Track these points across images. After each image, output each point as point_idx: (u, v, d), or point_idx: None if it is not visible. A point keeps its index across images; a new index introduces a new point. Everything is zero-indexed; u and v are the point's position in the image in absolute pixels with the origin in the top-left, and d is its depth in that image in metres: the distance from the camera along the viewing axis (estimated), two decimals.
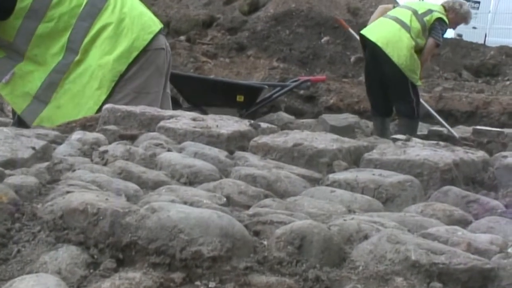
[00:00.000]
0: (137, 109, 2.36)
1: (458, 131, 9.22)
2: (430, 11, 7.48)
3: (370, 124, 8.89)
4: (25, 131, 2.19)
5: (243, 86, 7.98)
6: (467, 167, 2.05)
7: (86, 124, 2.52)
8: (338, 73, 12.59)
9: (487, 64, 12.61)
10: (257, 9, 14.43)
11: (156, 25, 3.59)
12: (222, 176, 1.89)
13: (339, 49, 13.03)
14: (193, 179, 1.84)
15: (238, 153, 2.05)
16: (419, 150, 2.08)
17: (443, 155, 2.02)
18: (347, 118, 9.86)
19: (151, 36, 3.50)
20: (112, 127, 2.27)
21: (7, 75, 3.43)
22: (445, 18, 7.53)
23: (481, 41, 13.12)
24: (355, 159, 2.14)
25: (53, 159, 1.90)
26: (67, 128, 2.51)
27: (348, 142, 2.19)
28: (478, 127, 9.36)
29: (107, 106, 2.39)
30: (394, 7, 8.40)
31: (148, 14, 3.62)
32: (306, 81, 8.34)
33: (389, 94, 8.00)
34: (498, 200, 1.94)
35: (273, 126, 2.39)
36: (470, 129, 9.35)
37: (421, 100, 8.67)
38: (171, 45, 13.50)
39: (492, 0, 18.17)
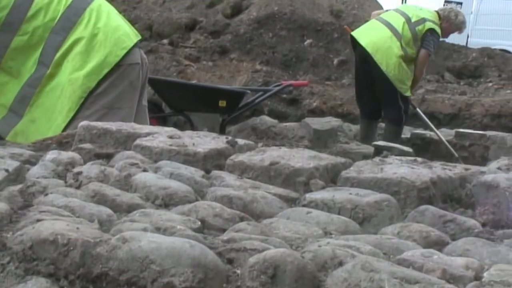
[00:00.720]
0: (113, 126, 2.34)
1: (441, 134, 9.24)
2: (423, 20, 7.41)
3: (353, 127, 8.89)
4: None
5: (225, 91, 7.96)
6: (444, 184, 2.04)
7: (63, 141, 2.49)
8: (321, 76, 12.58)
9: (469, 66, 12.63)
10: (240, 12, 14.37)
11: (130, 39, 3.55)
12: (197, 197, 1.88)
13: (322, 52, 13.01)
14: (168, 201, 1.82)
15: (215, 173, 2.03)
16: (396, 168, 2.07)
17: (420, 172, 2.01)
18: (330, 122, 9.84)
19: (124, 51, 3.47)
20: (87, 145, 2.24)
21: None
22: (437, 28, 7.48)
23: (463, 43, 13.15)
24: (332, 176, 2.13)
25: (26, 181, 1.88)
26: (42, 146, 2.48)
27: (325, 159, 2.18)
28: (461, 130, 9.38)
29: (82, 123, 2.36)
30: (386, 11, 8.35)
31: (123, 28, 3.58)
32: (288, 86, 8.31)
33: (378, 98, 7.98)
34: (475, 218, 1.93)
35: (250, 142, 2.37)
36: (453, 132, 9.37)
37: (418, 111, 8.67)
38: (154, 48, 13.50)
39: (474, 1, 18.24)
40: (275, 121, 10.24)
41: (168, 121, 8.43)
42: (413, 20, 7.59)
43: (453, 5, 9.34)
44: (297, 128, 9.79)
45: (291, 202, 1.93)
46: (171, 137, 2.25)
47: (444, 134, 9.09)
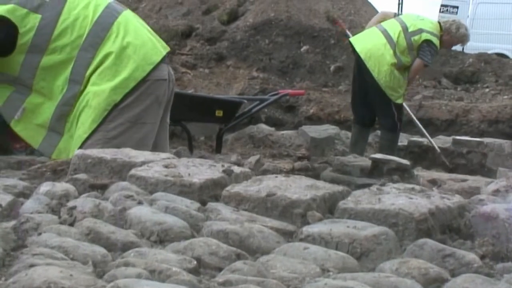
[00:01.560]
0: (108, 155, 2.31)
1: (438, 142, 9.24)
2: (420, 31, 7.43)
3: (350, 135, 8.90)
4: None
5: (222, 101, 7.94)
6: (443, 215, 2.02)
7: (57, 169, 2.47)
8: (318, 83, 12.58)
9: (466, 72, 12.65)
10: (236, 19, 14.39)
11: (158, 54, 3.52)
12: (193, 232, 1.85)
13: (318, 58, 13.02)
14: (163, 237, 1.80)
15: (211, 205, 2.01)
16: (394, 198, 2.05)
17: (419, 203, 1.99)
18: (327, 130, 9.86)
19: (151, 67, 3.45)
20: (82, 175, 2.22)
21: (18, 111, 3.41)
22: (435, 40, 7.49)
23: (459, 48, 13.10)
24: (330, 206, 2.11)
25: (20, 217, 1.85)
26: (37, 173, 2.46)
27: (322, 189, 2.16)
28: (458, 137, 9.38)
29: (77, 152, 2.34)
30: (395, 14, 8.34)
31: (151, 42, 3.54)
32: (285, 95, 8.31)
33: (372, 106, 8.01)
34: (475, 250, 1.91)
35: (246, 170, 2.35)
36: (450, 139, 9.37)
37: (414, 118, 8.68)
38: None
39: (470, 5, 18.26)
40: (272, 129, 10.26)
41: None
42: (410, 29, 7.61)
43: (456, 17, 9.33)
44: (294, 136, 9.82)
45: (288, 235, 1.91)
46: (166, 166, 2.23)
47: (441, 142, 9.11)
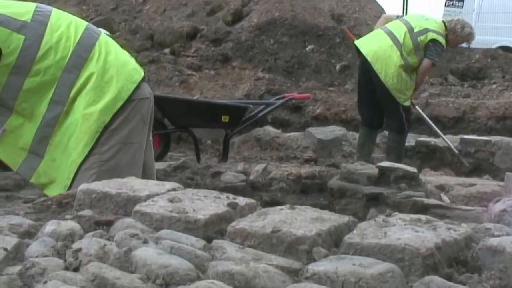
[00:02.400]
0: (113, 189, 2.31)
1: (444, 136, 9.20)
2: (425, 31, 7.43)
3: (358, 135, 8.89)
4: None
5: (228, 107, 7.96)
6: (450, 248, 2.01)
7: (63, 202, 2.48)
8: (324, 82, 12.56)
9: (472, 68, 12.61)
10: (241, 19, 14.37)
11: (139, 73, 3.57)
12: (199, 273, 1.85)
13: (324, 57, 13.00)
14: (169, 280, 1.79)
15: (216, 243, 2.01)
16: (400, 231, 2.04)
17: (425, 237, 1.98)
18: (334, 131, 9.85)
19: (134, 85, 3.49)
20: (87, 212, 2.22)
21: None
22: (441, 39, 7.48)
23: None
24: (336, 239, 2.10)
25: (26, 262, 1.85)
26: (43, 207, 2.46)
27: (328, 221, 2.15)
28: (466, 136, 9.36)
29: (82, 187, 2.34)
30: (397, 16, 8.31)
31: (131, 63, 3.61)
32: (290, 99, 8.32)
33: (379, 107, 8.01)
34: (482, 283, 1.91)
35: (251, 201, 2.34)
36: (457, 138, 9.34)
37: (424, 116, 8.66)
38: (156, 58, 13.49)
39: None
40: (279, 131, 10.26)
41: (171, 137, 8.44)
42: (415, 30, 7.60)
43: (460, 16, 9.28)
44: (301, 138, 9.81)
45: (294, 274, 1.90)
46: (171, 200, 2.23)
47: (450, 140, 9.07)
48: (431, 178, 5.90)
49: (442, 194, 5.42)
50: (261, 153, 9.61)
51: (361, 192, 5.14)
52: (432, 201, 4.74)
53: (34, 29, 3.38)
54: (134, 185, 2.43)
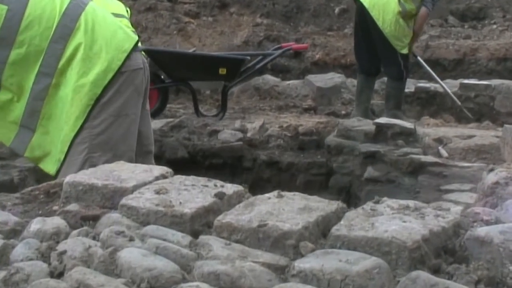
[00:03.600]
0: (99, 181, 2.30)
1: (445, 86, 9.15)
2: None
3: (356, 84, 8.86)
4: None
5: (225, 59, 7.90)
6: (437, 238, 2.00)
7: (50, 191, 2.46)
8: (323, 26, 12.44)
9: (472, 8, 12.47)
10: None
11: (130, 42, 3.50)
12: (184, 274, 1.84)
13: (322, 1, 12.84)
14: (154, 284, 1.79)
15: (202, 239, 2.00)
16: (387, 222, 2.03)
17: (412, 229, 1.96)
18: (333, 78, 9.79)
19: (125, 55, 3.43)
20: (73, 207, 2.21)
21: None
22: None
23: None
24: (323, 229, 2.09)
25: (10, 267, 1.85)
26: (30, 197, 2.45)
27: (316, 210, 2.14)
28: (465, 81, 9.30)
29: (68, 179, 2.32)
30: None
31: (122, 31, 3.54)
32: (288, 49, 8.25)
33: (377, 54, 8.00)
34: (470, 274, 1.90)
35: (239, 189, 2.32)
36: (457, 83, 9.29)
37: (426, 66, 8.62)
38: (153, 6, 13.33)
39: None
40: (278, 79, 10.20)
41: (169, 90, 8.40)
42: None
43: None
44: (300, 86, 9.76)
45: (280, 271, 1.89)
46: (158, 192, 2.21)
47: (448, 86, 9.03)
48: (429, 130, 5.88)
49: (440, 148, 5.40)
50: (260, 102, 9.58)
51: (358, 150, 5.13)
52: (429, 158, 4.73)
53: (17, 0, 3.32)
54: (122, 173, 2.41)
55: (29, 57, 3.31)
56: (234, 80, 8.22)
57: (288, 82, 10.11)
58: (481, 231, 1.98)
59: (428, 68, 8.81)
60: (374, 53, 7.92)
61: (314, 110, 8.93)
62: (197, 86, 9.23)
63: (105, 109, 3.37)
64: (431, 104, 8.98)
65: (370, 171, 4.70)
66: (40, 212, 2.35)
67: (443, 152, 5.24)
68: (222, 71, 7.77)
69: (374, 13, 7.56)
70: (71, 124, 3.31)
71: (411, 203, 2.20)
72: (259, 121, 6.09)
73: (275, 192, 2.30)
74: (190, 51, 8.38)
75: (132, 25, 10.29)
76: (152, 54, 7.93)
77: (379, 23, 7.54)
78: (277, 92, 9.84)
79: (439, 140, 5.57)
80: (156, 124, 5.98)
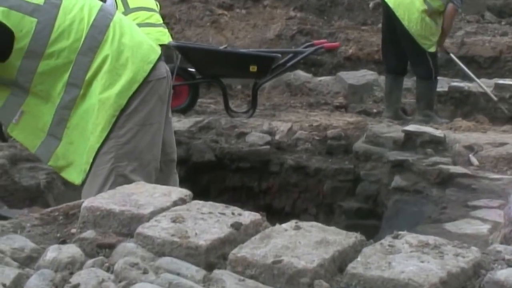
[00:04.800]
0: (117, 207, 2.29)
1: (480, 82, 9.03)
2: None
3: (385, 84, 8.81)
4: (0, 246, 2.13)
5: (256, 56, 7.88)
6: (456, 280, 1.96)
7: (69, 213, 2.46)
8: (357, 21, 12.36)
9: (511, 4, 12.28)
10: None
11: (155, 52, 3.53)
12: None
13: None
14: None
15: (215, 274, 1.98)
16: (404, 261, 1.99)
17: (430, 271, 1.93)
18: (365, 76, 9.73)
19: (151, 66, 3.45)
20: (90, 234, 2.20)
21: (16, 115, 3.41)
22: None
23: None
24: (340, 264, 2.06)
25: None
26: (50, 218, 2.45)
27: (333, 244, 2.11)
28: (501, 81, 9.17)
29: (86, 204, 2.31)
30: None
31: (147, 42, 3.56)
32: (320, 48, 8.21)
33: (405, 54, 7.97)
34: None
35: (257, 217, 2.30)
36: (492, 83, 9.16)
37: (456, 60, 8.52)
38: None
39: None
40: (309, 75, 10.15)
41: (199, 86, 8.39)
42: None
43: None
44: (332, 83, 9.71)
45: None
46: (174, 220, 2.20)
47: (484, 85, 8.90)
48: (460, 136, 5.80)
49: (470, 156, 5.33)
50: (291, 98, 9.55)
51: (387, 157, 5.08)
52: (458, 169, 4.67)
53: (47, 12, 3.33)
54: (140, 198, 2.40)
55: (58, 68, 3.34)
56: (265, 78, 8.20)
57: (319, 78, 10.06)
58: (501, 274, 1.94)
59: (462, 65, 8.71)
60: (401, 53, 7.91)
61: (345, 108, 8.88)
62: (228, 81, 9.22)
63: (130, 119, 3.39)
64: (465, 104, 8.87)
65: (398, 180, 4.65)
66: (58, 235, 2.35)
67: (474, 160, 5.16)
68: (253, 68, 7.75)
69: (399, 13, 7.56)
70: (97, 135, 3.33)
71: (431, 239, 2.16)
72: (287, 124, 6.06)
73: (293, 223, 2.27)
74: (221, 47, 8.35)
75: (162, 18, 10.33)
76: (183, 50, 7.93)
77: (405, 22, 7.55)
78: (308, 88, 9.79)
79: (470, 148, 5.49)
80: (185, 123, 5.97)
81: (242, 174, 5.66)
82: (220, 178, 5.69)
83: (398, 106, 8.20)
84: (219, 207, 2.38)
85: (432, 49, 7.64)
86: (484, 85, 8.78)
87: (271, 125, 5.99)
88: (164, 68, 3.59)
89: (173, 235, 2.13)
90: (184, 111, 7.96)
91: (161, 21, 9.23)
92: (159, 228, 2.17)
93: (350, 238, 2.21)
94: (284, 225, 2.27)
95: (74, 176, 3.45)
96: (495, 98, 8.54)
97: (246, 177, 5.65)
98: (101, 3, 3.59)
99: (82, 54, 3.34)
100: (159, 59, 3.51)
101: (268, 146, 5.58)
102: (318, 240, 2.13)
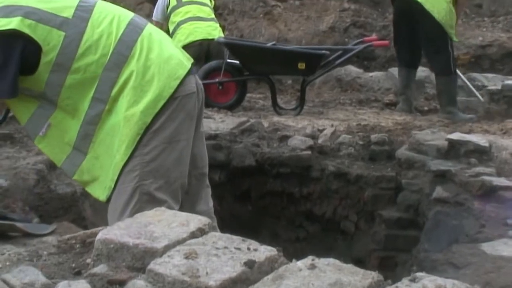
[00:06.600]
0: (131, 240, 2.26)
1: None
2: None
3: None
4: (11, 280, 2.13)
5: (304, 54, 7.81)
6: None
7: (86, 241, 2.46)
8: None
9: None
10: None
11: (184, 68, 3.43)
12: None
13: None
14: None
15: None
16: None
17: None
18: (417, 72, 9.53)
19: (177, 82, 3.37)
20: (101, 269, 2.18)
21: (43, 127, 3.41)
22: None
23: None
24: None
25: None
26: (66, 246, 2.45)
27: (347, 286, 2.05)
28: None
29: (100, 236, 2.29)
30: None
31: (177, 57, 3.46)
32: (369, 45, 8.11)
33: (424, 50, 8.26)
34: None
35: (272, 253, 2.25)
36: None
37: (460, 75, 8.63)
38: None
39: None
40: (361, 71, 10.02)
41: (247, 83, 8.36)
42: None
43: None
44: (383, 79, 9.57)
45: None
46: (187, 257, 2.16)
47: None
48: (508, 143, 5.64)
49: None
50: (341, 94, 9.45)
51: (429, 167, 4.97)
52: (502, 181, 4.53)
53: (75, 26, 3.31)
54: (156, 228, 2.37)
55: (85, 82, 3.30)
56: (313, 75, 8.12)
57: (370, 74, 9.93)
58: None
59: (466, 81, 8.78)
60: (416, 47, 8.22)
61: (395, 105, 8.75)
62: (279, 75, 9.16)
63: (156, 136, 3.32)
64: None
65: (439, 191, 4.55)
66: (73, 265, 2.35)
67: None
68: (301, 65, 7.69)
69: (428, 6, 7.76)
70: (122, 153, 3.29)
71: (449, 284, 2.08)
72: (332, 126, 5.97)
73: (308, 261, 2.21)
74: (269, 44, 8.29)
75: (216, 9, 10.31)
76: (230, 46, 7.89)
77: (435, 14, 7.77)
78: (359, 84, 9.67)
79: None
80: (228, 124, 5.93)
81: (283, 180, 5.60)
82: (260, 183, 5.64)
83: (413, 99, 8.43)
84: (236, 240, 2.33)
85: (456, 39, 7.94)
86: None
87: (314, 128, 5.91)
88: (195, 83, 3.50)
89: (184, 274, 2.09)
90: (231, 107, 7.93)
91: (213, 16, 9.21)
92: (171, 265, 2.14)
93: (366, 279, 2.14)
94: (299, 263, 2.21)
95: (99, 192, 3.42)
96: (482, 99, 8.63)
97: (286, 183, 5.59)
98: (132, 15, 3.54)
99: (108, 70, 3.29)
100: (187, 74, 3.42)
101: (309, 152, 5.49)
102: (332, 282, 2.07)
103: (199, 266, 2.13)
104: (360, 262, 5.69)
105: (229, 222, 5.55)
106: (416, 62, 8.35)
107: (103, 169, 3.38)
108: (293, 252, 5.75)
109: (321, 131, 5.93)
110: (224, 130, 5.70)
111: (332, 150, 5.64)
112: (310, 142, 5.63)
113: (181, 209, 3.46)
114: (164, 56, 3.39)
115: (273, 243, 5.87)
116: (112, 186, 3.34)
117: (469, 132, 6.46)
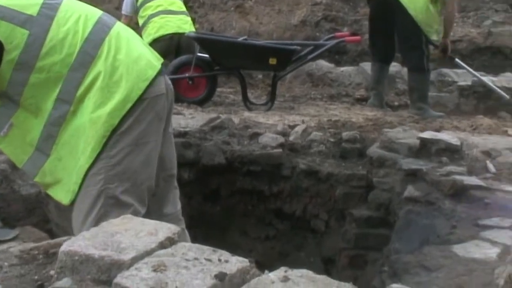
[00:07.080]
0: (96, 252, 2.18)
1: (504, 80, 8.86)
2: None
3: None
4: None
5: (275, 49, 7.75)
6: None
7: (50, 251, 2.37)
8: None
9: None
10: None
11: (153, 68, 3.33)
12: None
13: None
14: None
15: None
16: None
17: None
18: None
19: (146, 83, 3.26)
20: (66, 282, 2.10)
21: (5, 127, 3.29)
22: None
23: None
24: None
25: None
26: (29, 257, 2.37)
27: None
28: None
29: (63, 248, 2.21)
30: None
31: (146, 57, 3.35)
32: (341, 41, 8.08)
33: (399, 45, 8.30)
34: None
35: (244, 264, 2.19)
36: None
37: (461, 63, 8.59)
38: None
39: None
40: (332, 65, 9.99)
41: (217, 78, 8.29)
42: None
43: None
44: (354, 74, 9.55)
45: None
46: (155, 269, 2.09)
47: (506, 80, 8.75)
48: (478, 140, 5.64)
49: (488, 162, 5.18)
50: (312, 89, 9.42)
51: (400, 165, 4.95)
52: (473, 180, 4.52)
53: (40, 24, 3.20)
54: (123, 239, 2.29)
55: (49, 82, 3.19)
56: (284, 70, 8.08)
57: (342, 68, 9.91)
58: None
59: (469, 69, 8.71)
60: (390, 43, 8.25)
61: (366, 100, 8.74)
62: (249, 70, 9.09)
63: (122, 138, 3.22)
64: (488, 98, 8.70)
65: (410, 190, 4.52)
66: (36, 277, 2.27)
67: (491, 167, 5.02)
68: (272, 61, 7.64)
69: (405, 1, 7.80)
70: (87, 155, 3.19)
71: None
72: (302, 125, 5.93)
73: (281, 273, 2.15)
74: (240, 39, 8.22)
75: (186, 2, 10.21)
76: (201, 41, 7.82)
77: (411, 11, 7.83)
78: (330, 79, 9.65)
79: (488, 153, 5.34)
80: (198, 121, 5.85)
81: (253, 178, 5.55)
82: (230, 181, 5.58)
83: (384, 95, 8.46)
84: (206, 251, 2.26)
85: (435, 37, 7.94)
86: (503, 79, 8.70)
87: (285, 125, 5.86)
88: (164, 84, 3.41)
89: None
90: (201, 102, 7.87)
91: (184, 9, 9.13)
92: (138, 279, 2.06)
93: None
94: (271, 275, 2.15)
95: (61, 195, 3.31)
96: (507, 97, 8.48)
97: (256, 181, 5.54)
98: (100, 13, 3.43)
99: (73, 70, 3.18)
100: (157, 75, 3.34)
101: (280, 150, 5.44)
102: None
103: (168, 280, 2.06)
104: (330, 261, 5.66)
105: (198, 221, 5.49)
106: (390, 58, 8.39)
107: (66, 171, 3.27)
108: (262, 250, 5.71)
109: (292, 127, 5.89)
110: (194, 127, 5.62)
111: (303, 148, 5.59)
112: (281, 139, 5.58)
113: (148, 211, 3.39)
114: (133, 56, 3.29)
115: (242, 241, 5.85)
116: (76, 189, 3.24)
117: (440, 128, 6.46)
